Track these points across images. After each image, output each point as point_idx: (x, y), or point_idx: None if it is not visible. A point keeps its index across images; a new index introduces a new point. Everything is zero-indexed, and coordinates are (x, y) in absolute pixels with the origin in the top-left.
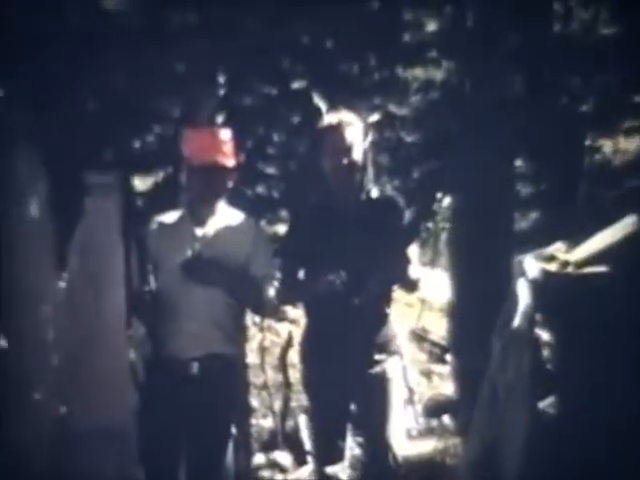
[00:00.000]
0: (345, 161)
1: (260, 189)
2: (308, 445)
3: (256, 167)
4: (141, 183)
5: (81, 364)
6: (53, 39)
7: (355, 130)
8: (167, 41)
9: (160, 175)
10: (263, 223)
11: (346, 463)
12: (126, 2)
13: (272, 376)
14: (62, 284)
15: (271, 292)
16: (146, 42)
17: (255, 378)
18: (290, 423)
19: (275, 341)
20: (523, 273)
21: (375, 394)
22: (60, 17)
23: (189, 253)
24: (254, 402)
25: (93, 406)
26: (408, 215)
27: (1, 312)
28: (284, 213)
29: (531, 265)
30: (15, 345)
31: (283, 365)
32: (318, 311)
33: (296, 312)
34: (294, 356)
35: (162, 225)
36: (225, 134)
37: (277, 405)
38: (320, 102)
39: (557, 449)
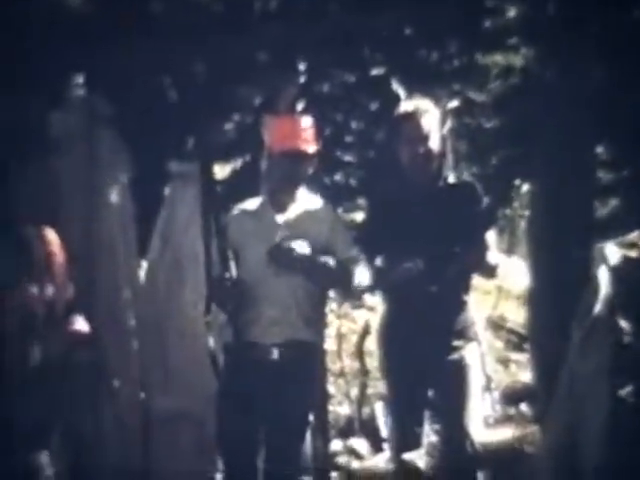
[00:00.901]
0: (422, 149)
1: (338, 177)
2: (384, 432)
3: (334, 155)
4: (220, 171)
5: (161, 350)
6: (135, 27)
7: (432, 117)
8: (248, 28)
9: (239, 163)
10: (340, 211)
11: (423, 450)
12: None
13: (349, 363)
14: (143, 271)
15: (355, 276)
16: (227, 30)
17: (332, 365)
18: (366, 410)
19: (352, 328)
20: (604, 260)
21: (453, 381)
22: (142, 5)
23: (275, 240)
24: (331, 389)
25: (172, 391)
26: (486, 202)
27: (83, 299)
28: (361, 201)
29: (612, 252)
30: (96, 331)
31: (360, 352)
32: (396, 298)
33: (373, 299)
34: (371, 343)
35: (243, 212)
36: (306, 121)
37: (354, 392)
38: (399, 89)
39: (637, 437)
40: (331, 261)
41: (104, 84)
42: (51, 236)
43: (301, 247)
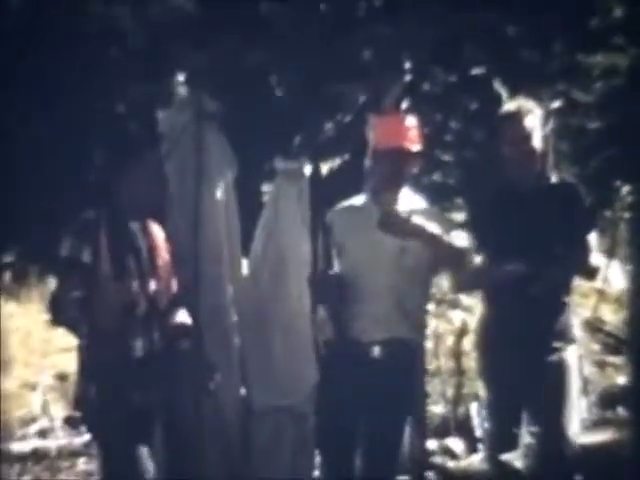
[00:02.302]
0: (525, 149)
1: (436, 176)
2: (479, 432)
3: (433, 154)
4: (324, 169)
5: (263, 346)
6: (242, 25)
7: (535, 118)
8: (353, 27)
9: (342, 161)
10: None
11: (520, 451)
12: None
13: (444, 363)
14: (246, 267)
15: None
16: (333, 28)
17: (428, 365)
18: (462, 410)
19: (448, 328)
20: None
21: (552, 382)
22: (249, 4)
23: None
24: (427, 388)
25: (274, 386)
26: (587, 203)
27: (187, 294)
28: (459, 200)
29: None
30: (199, 325)
31: (457, 352)
32: (497, 299)
33: (469, 300)
34: (467, 343)
35: (347, 209)
36: (411, 120)
37: (449, 392)
38: (501, 89)
39: None
40: (443, 233)
41: (210, 82)
42: (156, 230)
43: (412, 215)
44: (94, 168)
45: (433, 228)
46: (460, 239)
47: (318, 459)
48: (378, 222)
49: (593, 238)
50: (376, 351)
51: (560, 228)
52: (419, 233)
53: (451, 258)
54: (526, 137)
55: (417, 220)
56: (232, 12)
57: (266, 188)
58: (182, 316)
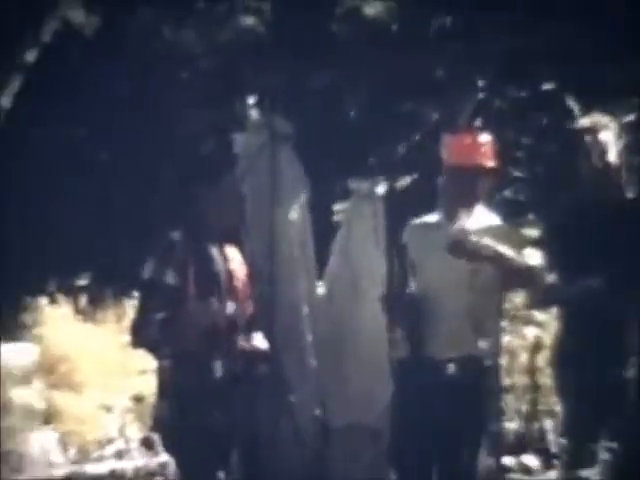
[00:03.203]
0: (601, 164)
1: (507, 192)
2: (555, 448)
3: (505, 170)
4: (398, 187)
5: (338, 365)
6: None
7: (610, 132)
8: (426, 46)
9: (414, 178)
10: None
11: (598, 467)
12: (386, 10)
13: (518, 379)
14: (321, 286)
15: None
16: (404, 47)
17: (502, 381)
18: (537, 426)
19: (521, 344)
20: None
21: (629, 397)
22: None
23: (452, 232)
24: (502, 405)
25: (349, 405)
26: None
27: (263, 315)
28: (531, 216)
29: None
30: (275, 347)
31: (531, 368)
32: (573, 315)
33: (542, 316)
34: (540, 360)
35: (421, 228)
36: (484, 137)
37: (523, 408)
38: (572, 103)
39: None
40: (514, 255)
41: (283, 104)
42: (233, 253)
43: (482, 239)
44: (172, 191)
45: (503, 249)
46: (532, 257)
47: (393, 476)
48: (448, 246)
49: None
50: (450, 369)
51: (636, 243)
52: (489, 256)
53: (522, 278)
54: (602, 152)
55: (487, 242)
56: (303, 33)
57: (339, 207)
58: (259, 340)
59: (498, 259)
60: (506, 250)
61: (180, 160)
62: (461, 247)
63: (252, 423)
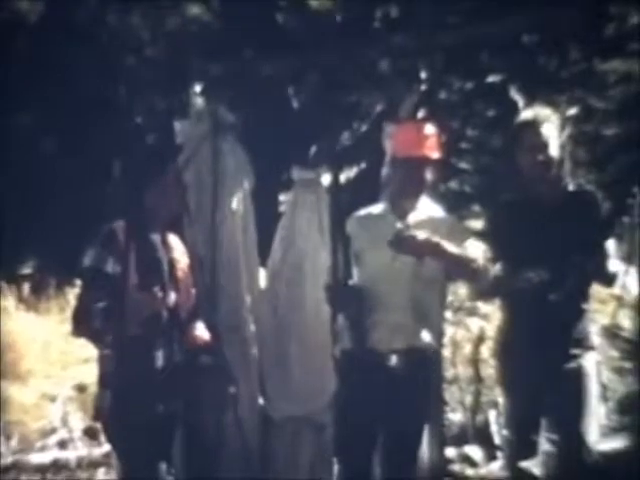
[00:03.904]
0: (541, 157)
1: (453, 184)
2: (498, 440)
3: (450, 162)
4: (342, 177)
5: (281, 356)
6: (259, 36)
7: (551, 125)
8: (370, 36)
9: (359, 169)
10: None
11: (539, 458)
12: (330, 1)
13: (462, 371)
14: (264, 277)
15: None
16: (349, 38)
17: (446, 372)
18: (480, 418)
19: (465, 336)
20: None
21: (571, 389)
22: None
23: (397, 227)
24: (445, 396)
25: (292, 396)
26: (605, 210)
27: (205, 305)
28: (476, 208)
29: None
30: (217, 337)
31: (475, 360)
32: (515, 306)
33: (487, 308)
34: (484, 351)
35: (365, 218)
36: (429, 128)
37: (467, 400)
38: (517, 96)
39: None
40: (455, 248)
41: (226, 93)
42: (175, 242)
43: (423, 233)
44: (114, 179)
45: (446, 244)
46: (475, 249)
47: (336, 468)
48: (390, 242)
49: (611, 245)
50: (394, 360)
51: (578, 235)
52: (431, 251)
53: (465, 271)
54: (543, 145)
55: (430, 237)
56: (249, 23)
57: (283, 197)
58: (200, 330)
59: (441, 254)
60: (449, 244)
61: (124, 148)
62: (403, 243)
63: (194, 414)
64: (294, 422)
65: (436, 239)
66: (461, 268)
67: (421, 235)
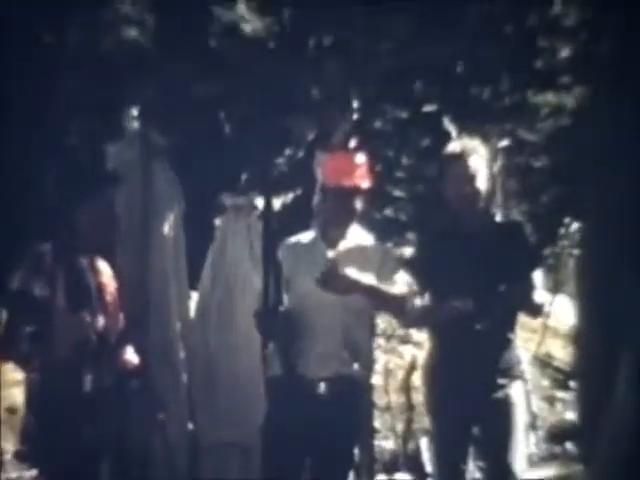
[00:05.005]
0: (468, 189)
1: (388, 212)
2: (429, 467)
3: (384, 190)
4: (273, 204)
5: (210, 382)
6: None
7: (479, 157)
8: (302, 64)
9: (290, 196)
10: (390, 245)
11: None
12: (264, 27)
13: (395, 398)
14: (194, 302)
15: (415, 303)
16: (282, 64)
17: (378, 400)
18: (411, 445)
19: (398, 363)
20: None
21: (498, 418)
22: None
23: (324, 265)
24: (376, 424)
25: (221, 422)
26: (533, 241)
27: (135, 330)
28: (411, 236)
29: None
30: (147, 362)
31: (407, 387)
32: (443, 335)
33: (419, 335)
34: (417, 379)
35: (295, 245)
36: (360, 158)
37: (399, 427)
38: (450, 126)
39: None
40: (383, 287)
41: (159, 117)
42: (103, 267)
43: (350, 272)
44: (45, 200)
45: (374, 283)
46: (403, 285)
47: None
48: (317, 280)
49: (537, 275)
50: (322, 387)
51: (505, 265)
52: (358, 290)
53: (391, 308)
54: (470, 178)
55: (358, 277)
56: (184, 47)
57: (216, 223)
58: (129, 354)
59: (369, 293)
60: (376, 284)
61: (56, 170)
62: (330, 282)
63: (123, 438)
64: (223, 448)
65: (364, 280)
66: (388, 305)
67: (348, 275)
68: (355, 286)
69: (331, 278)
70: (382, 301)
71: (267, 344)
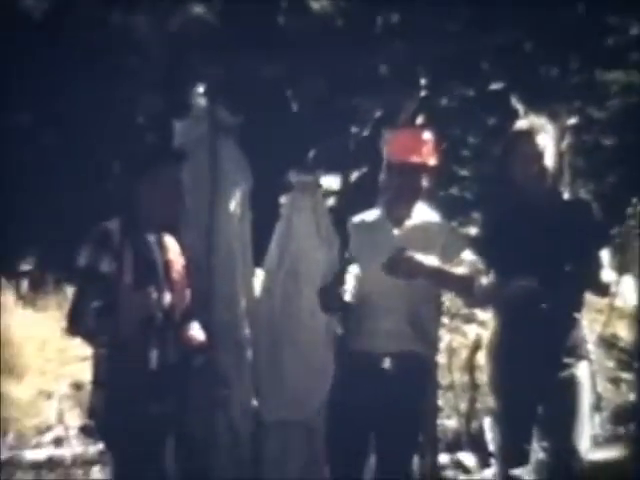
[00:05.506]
0: (536, 167)
1: (453, 190)
2: (492, 447)
3: (450, 168)
4: (338, 182)
5: (275, 358)
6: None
7: (547, 135)
8: (370, 43)
9: (357, 175)
10: (455, 224)
11: (531, 466)
12: (332, 3)
13: (458, 377)
14: (260, 280)
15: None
16: (349, 43)
17: (442, 379)
18: (475, 425)
19: (462, 342)
20: None
21: (563, 398)
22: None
23: (392, 250)
24: (440, 402)
25: (285, 400)
26: (601, 220)
27: (200, 306)
28: (476, 215)
29: None
30: (212, 338)
31: (471, 367)
32: (508, 314)
33: (484, 315)
34: (481, 358)
35: (361, 224)
36: (426, 135)
37: (462, 406)
38: (517, 104)
39: None
40: (449, 268)
41: (225, 94)
42: (171, 243)
43: (417, 257)
44: (112, 178)
45: (440, 265)
46: (470, 264)
47: (328, 473)
48: (383, 265)
49: (605, 254)
50: (387, 363)
51: (572, 244)
52: (425, 274)
53: (458, 289)
54: (537, 155)
55: (424, 261)
56: (251, 25)
57: (282, 200)
58: (195, 330)
59: (436, 276)
60: (442, 266)
61: (123, 147)
62: (397, 268)
63: (187, 415)
64: (287, 425)
65: (430, 264)
66: (455, 287)
67: (415, 260)
68: (422, 271)
69: (397, 264)
70: (449, 283)
71: (332, 322)
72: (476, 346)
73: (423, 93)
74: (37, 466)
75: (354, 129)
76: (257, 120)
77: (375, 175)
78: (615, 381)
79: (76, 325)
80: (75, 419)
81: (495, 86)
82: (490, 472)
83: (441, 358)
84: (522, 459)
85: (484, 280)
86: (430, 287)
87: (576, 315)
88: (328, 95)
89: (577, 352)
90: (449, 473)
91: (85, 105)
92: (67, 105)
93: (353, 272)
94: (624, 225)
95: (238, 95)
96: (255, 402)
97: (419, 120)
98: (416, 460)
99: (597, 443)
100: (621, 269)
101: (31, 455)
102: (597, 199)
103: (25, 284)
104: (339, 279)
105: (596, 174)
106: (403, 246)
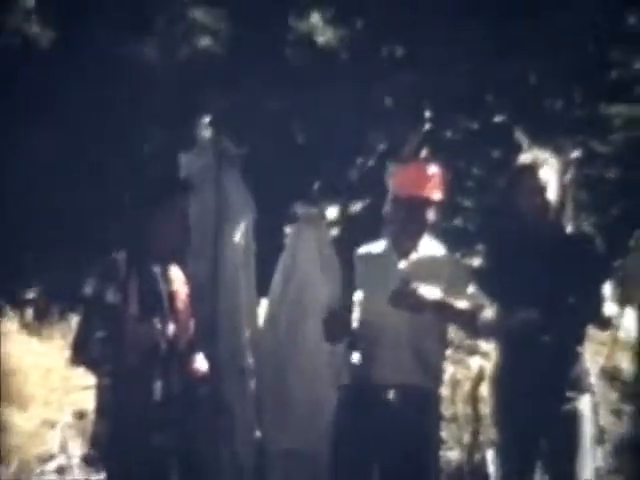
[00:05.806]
0: (539, 200)
1: (457, 222)
2: (494, 478)
3: (454, 200)
4: (342, 213)
5: (278, 389)
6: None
7: (550, 169)
8: (375, 75)
9: (361, 206)
10: (458, 255)
11: None
12: (337, 38)
13: (461, 409)
14: (265, 310)
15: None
16: (354, 76)
17: (445, 410)
18: (477, 457)
19: (466, 374)
20: None
21: (566, 431)
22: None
23: (397, 282)
24: (443, 434)
25: (288, 430)
26: (603, 253)
27: (204, 337)
28: (479, 247)
29: None
30: (216, 369)
31: (474, 398)
32: (511, 347)
33: (487, 346)
34: (484, 390)
35: (367, 255)
36: (433, 168)
37: (465, 438)
38: (521, 137)
39: None
40: (454, 301)
41: (231, 126)
42: (176, 274)
43: (423, 290)
44: (119, 209)
45: (445, 298)
46: (475, 298)
47: None
48: (389, 299)
49: (607, 288)
50: (390, 394)
51: (574, 277)
52: (430, 307)
53: (463, 323)
54: (541, 189)
55: (428, 294)
56: (257, 57)
57: (287, 231)
58: (200, 361)
59: (441, 309)
60: (447, 299)
61: (129, 179)
62: (403, 300)
63: (191, 445)
64: (290, 455)
65: (435, 297)
66: (460, 320)
67: (420, 294)
68: (427, 304)
69: (403, 297)
70: (453, 316)
71: (336, 352)
72: (479, 378)
73: (428, 126)
74: None
75: (359, 161)
76: (262, 151)
77: (379, 207)
78: (617, 413)
79: (80, 354)
80: (78, 448)
81: (499, 119)
82: None
83: (444, 390)
84: None
85: (487, 312)
86: (435, 320)
87: (578, 348)
88: (333, 127)
89: (580, 385)
90: None
91: (92, 136)
92: (74, 136)
93: (358, 302)
94: (627, 258)
95: (243, 126)
96: (259, 432)
97: (423, 152)
98: None
99: (600, 476)
100: (623, 302)
101: None
102: (600, 232)
103: (30, 313)
104: (347, 308)
105: (599, 207)
106: (408, 278)
